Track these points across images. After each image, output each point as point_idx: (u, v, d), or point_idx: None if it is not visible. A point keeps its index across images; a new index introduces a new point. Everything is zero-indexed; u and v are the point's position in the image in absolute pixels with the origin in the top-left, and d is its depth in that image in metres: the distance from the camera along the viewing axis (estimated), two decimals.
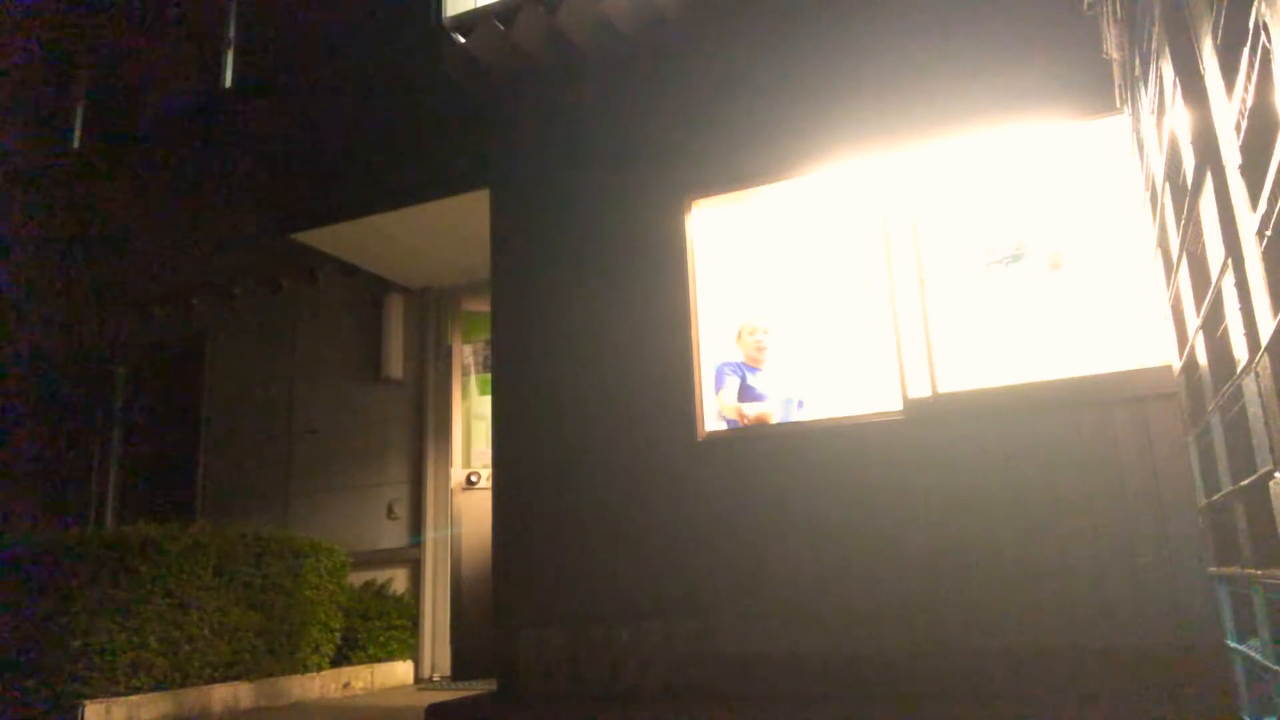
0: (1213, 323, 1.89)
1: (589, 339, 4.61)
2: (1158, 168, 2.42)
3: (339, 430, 6.80)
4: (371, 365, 6.78)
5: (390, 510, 6.53)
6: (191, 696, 4.74)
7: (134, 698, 4.46)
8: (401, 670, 6.14)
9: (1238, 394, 1.69)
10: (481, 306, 6.15)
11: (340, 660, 5.76)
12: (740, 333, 4.96)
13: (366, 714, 4.87)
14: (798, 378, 5.00)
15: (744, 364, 4.90)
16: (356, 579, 6.16)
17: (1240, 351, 1.63)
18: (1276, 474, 1.44)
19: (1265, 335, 1.40)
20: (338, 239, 6.14)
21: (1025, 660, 3.50)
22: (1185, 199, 1.98)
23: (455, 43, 4.82)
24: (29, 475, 7.94)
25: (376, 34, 6.23)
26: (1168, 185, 2.31)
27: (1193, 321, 2.17)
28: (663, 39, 4.70)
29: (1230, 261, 1.59)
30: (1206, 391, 2.10)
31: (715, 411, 4.66)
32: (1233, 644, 2.34)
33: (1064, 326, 4.23)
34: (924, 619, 3.69)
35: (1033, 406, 3.70)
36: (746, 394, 4.78)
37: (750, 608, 4.00)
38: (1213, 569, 2.51)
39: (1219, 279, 1.73)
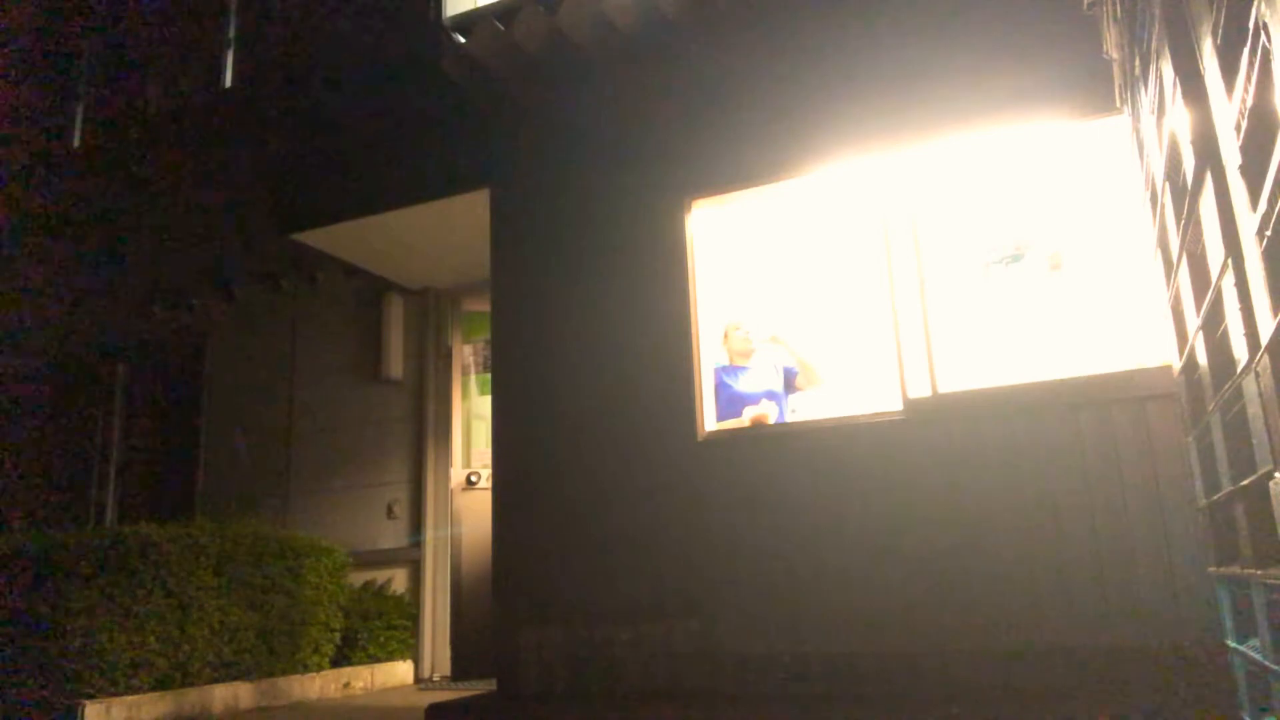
0: (1213, 323, 1.89)
1: (589, 339, 4.61)
2: (1158, 168, 2.42)
3: (339, 430, 6.80)
4: (371, 365, 6.78)
5: (390, 510, 6.53)
6: (191, 696, 4.74)
7: (134, 698, 4.46)
8: (401, 670, 6.14)
9: (1238, 394, 1.69)
10: (481, 306, 6.15)
11: (340, 660, 5.76)
12: (727, 332, 4.97)
13: (366, 714, 4.87)
14: (781, 373, 5.00)
15: (729, 367, 4.91)
16: (356, 579, 6.16)
17: (1240, 351, 1.62)
18: (1276, 474, 1.44)
19: (1265, 335, 1.39)
20: (338, 239, 6.14)
21: (1025, 660, 3.50)
22: (1185, 199, 1.98)
23: (455, 43, 4.82)
24: (29, 475, 7.94)
25: (376, 34, 6.23)
26: (1168, 185, 2.31)
27: (1193, 321, 2.17)
28: (663, 39, 4.69)
29: (1230, 261, 1.59)
30: (1206, 391, 2.10)
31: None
32: (1233, 644, 2.34)
33: (1064, 326, 4.23)
34: (924, 619, 3.69)
35: (1033, 406, 3.70)
36: (731, 397, 4.78)
37: (750, 608, 4.00)
38: (1213, 569, 2.51)
39: (1219, 279, 1.73)
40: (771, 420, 4.64)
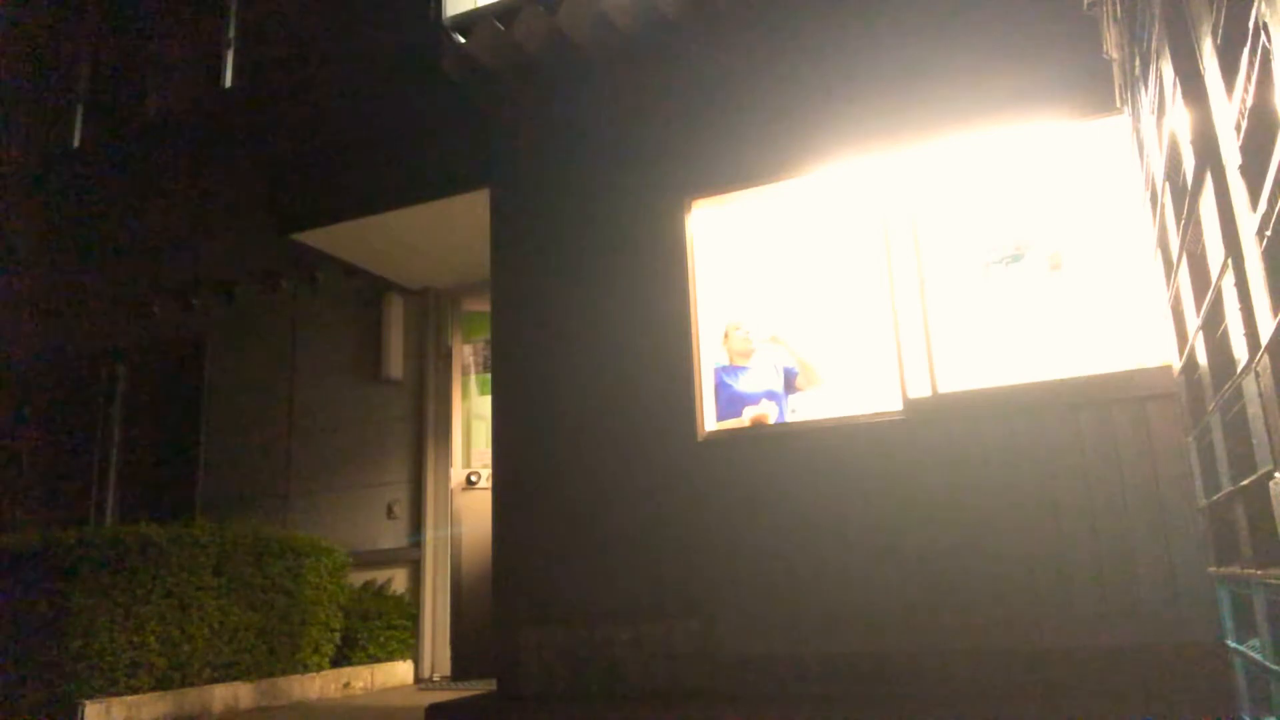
0: (1213, 323, 1.89)
1: (589, 339, 4.61)
2: (1158, 168, 2.42)
3: (339, 430, 6.80)
4: (371, 365, 6.77)
5: (390, 510, 6.53)
6: (191, 696, 4.74)
7: (134, 698, 4.46)
8: (401, 670, 6.14)
9: (1238, 394, 1.69)
10: (481, 306, 6.15)
11: (340, 660, 5.76)
12: (727, 332, 4.96)
13: (366, 714, 4.87)
14: (781, 373, 5.00)
15: (729, 367, 4.91)
16: (356, 579, 6.16)
17: (1240, 351, 1.62)
18: (1276, 474, 1.44)
19: (1265, 335, 1.39)
20: (338, 239, 6.14)
21: (1025, 660, 3.50)
22: (1185, 199, 1.98)
23: (455, 43, 4.82)
24: (29, 475, 7.94)
25: (376, 34, 6.23)
26: (1168, 185, 2.31)
27: (1193, 321, 2.17)
28: (663, 39, 4.69)
29: (1230, 261, 1.59)
30: (1206, 391, 2.10)
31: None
32: (1233, 644, 2.34)
33: (1064, 326, 4.23)
34: (924, 619, 3.69)
35: (1033, 406, 3.70)
36: (731, 397, 4.78)
37: (750, 608, 4.00)
38: (1213, 569, 2.51)
39: (1219, 279, 1.72)
40: (771, 420, 4.64)
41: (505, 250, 4.98)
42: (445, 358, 6.78)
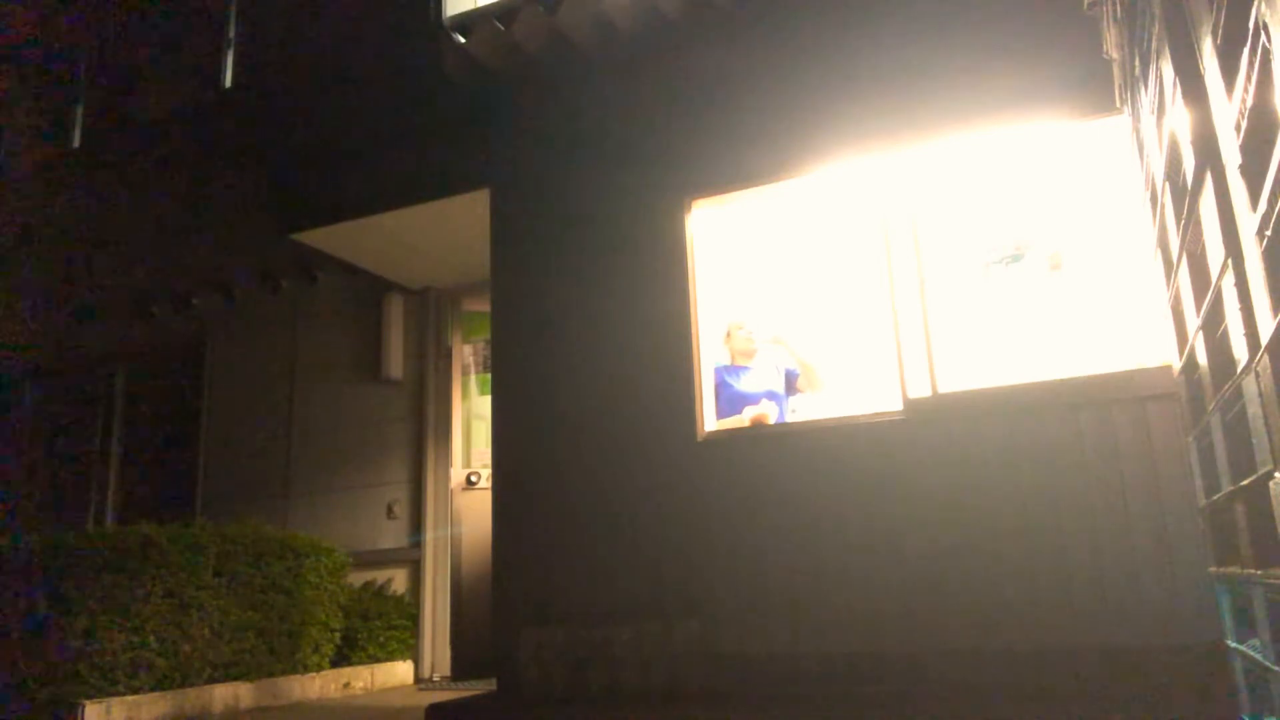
0: (1213, 323, 1.89)
1: (589, 338, 4.61)
2: (1158, 168, 2.42)
3: (339, 430, 6.80)
4: (371, 365, 6.77)
5: (390, 510, 6.53)
6: (191, 696, 4.74)
7: (134, 698, 4.46)
8: (401, 670, 6.14)
9: (1238, 394, 1.69)
10: (481, 306, 6.15)
11: (340, 660, 5.76)
12: (730, 331, 4.96)
13: (366, 714, 4.87)
14: (782, 374, 5.00)
15: (730, 366, 4.91)
16: (356, 579, 6.16)
17: (1240, 351, 1.62)
18: (1276, 474, 1.44)
19: (1265, 335, 1.39)
20: (338, 239, 6.14)
21: (1025, 660, 3.50)
22: (1185, 199, 1.98)
23: (455, 43, 4.82)
24: (29, 476, 7.94)
25: (377, 34, 6.22)
26: (1168, 185, 2.31)
27: (1193, 321, 2.17)
28: (663, 39, 4.69)
29: (1230, 261, 1.59)
30: (1206, 391, 2.10)
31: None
32: (1233, 644, 2.34)
33: (1064, 326, 4.23)
34: (924, 619, 3.69)
35: (1033, 406, 3.70)
36: (732, 396, 4.78)
37: (750, 607, 4.00)
38: (1213, 569, 2.51)
39: (1219, 279, 1.73)
40: (771, 420, 4.64)
41: (505, 250, 4.99)
42: (445, 358, 6.78)
